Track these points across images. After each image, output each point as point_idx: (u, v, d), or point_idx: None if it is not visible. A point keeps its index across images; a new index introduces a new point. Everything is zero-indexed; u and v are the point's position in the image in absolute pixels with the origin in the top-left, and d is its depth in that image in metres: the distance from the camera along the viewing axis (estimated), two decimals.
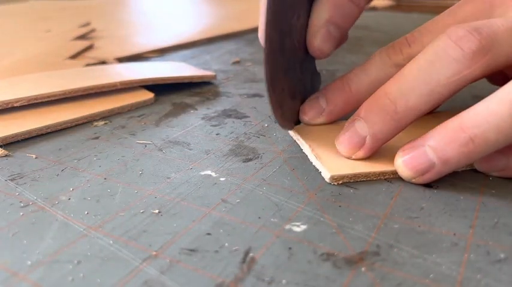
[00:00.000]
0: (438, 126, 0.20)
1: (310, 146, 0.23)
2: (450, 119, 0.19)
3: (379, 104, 0.21)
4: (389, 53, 0.24)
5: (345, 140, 0.22)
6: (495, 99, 0.19)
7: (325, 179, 0.21)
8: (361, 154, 0.21)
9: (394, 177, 0.21)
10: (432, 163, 0.19)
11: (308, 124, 0.25)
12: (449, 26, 0.21)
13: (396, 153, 0.21)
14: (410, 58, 0.22)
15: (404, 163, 0.20)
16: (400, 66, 0.22)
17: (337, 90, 0.25)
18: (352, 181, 0.21)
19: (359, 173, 0.21)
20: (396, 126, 0.21)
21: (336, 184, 0.20)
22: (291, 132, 0.25)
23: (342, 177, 0.21)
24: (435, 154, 0.19)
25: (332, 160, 0.22)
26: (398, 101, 0.20)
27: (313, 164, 0.22)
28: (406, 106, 0.20)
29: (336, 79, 0.25)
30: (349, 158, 0.22)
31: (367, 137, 0.21)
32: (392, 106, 0.20)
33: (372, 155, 0.22)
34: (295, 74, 0.24)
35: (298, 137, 0.24)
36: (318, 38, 0.24)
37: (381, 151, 0.22)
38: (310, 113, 0.25)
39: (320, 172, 0.21)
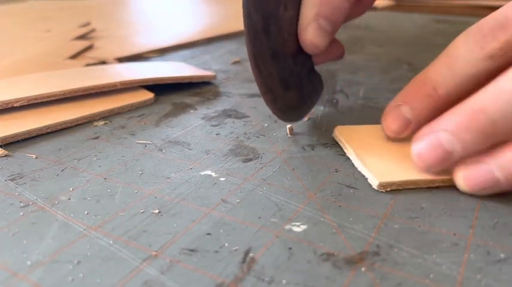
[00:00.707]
0: (504, 144, 0.18)
1: (355, 151, 0.22)
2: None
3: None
4: (478, 41, 0.19)
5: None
6: None
7: (373, 187, 0.20)
8: (406, 133, 0.21)
9: (443, 185, 0.20)
10: (497, 180, 0.18)
11: (393, 139, 0.23)
12: None
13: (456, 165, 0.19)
14: (509, 47, 0.18)
15: (464, 179, 0.19)
16: (496, 58, 0.19)
17: (422, 96, 0.21)
18: (400, 188, 0.20)
19: (408, 181, 0.20)
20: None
21: (383, 191, 0.20)
22: (335, 134, 0.24)
23: (391, 184, 0.20)
24: (501, 172, 0.18)
25: (379, 166, 0.21)
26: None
27: (358, 169, 0.22)
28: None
29: (414, 80, 0.22)
30: (397, 135, 0.22)
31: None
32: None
33: None
34: (286, 64, 0.23)
35: (342, 139, 0.24)
36: (309, 32, 0.22)
37: None
38: (394, 125, 0.22)
39: (320, 172, 0.21)
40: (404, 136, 0.22)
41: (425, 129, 0.20)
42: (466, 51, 0.20)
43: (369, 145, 0.23)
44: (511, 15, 0.18)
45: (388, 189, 0.20)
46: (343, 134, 0.24)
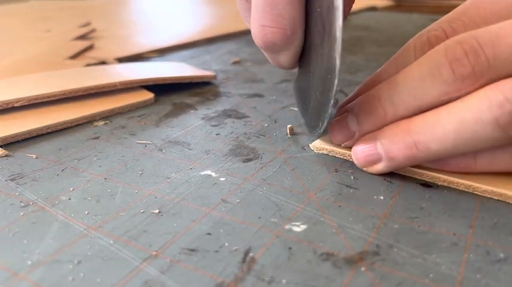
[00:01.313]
0: (393, 123, 0.21)
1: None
2: (404, 120, 0.20)
3: (371, 107, 0.21)
4: (424, 48, 0.21)
5: (335, 129, 0.23)
6: (446, 111, 0.19)
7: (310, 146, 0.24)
8: (349, 144, 0.22)
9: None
10: (380, 156, 0.21)
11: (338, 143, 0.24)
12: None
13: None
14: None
15: (356, 151, 0.22)
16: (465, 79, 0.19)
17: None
18: (330, 154, 0.23)
19: (335, 150, 0.23)
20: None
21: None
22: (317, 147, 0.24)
23: (322, 148, 0.23)
24: (383, 150, 0.20)
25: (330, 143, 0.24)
26: (389, 109, 0.21)
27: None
28: (395, 115, 0.21)
29: (365, 95, 0.22)
30: (339, 144, 0.23)
31: (356, 133, 0.22)
32: (383, 112, 0.21)
33: None
34: None
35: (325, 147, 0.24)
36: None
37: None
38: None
39: (320, 172, 0.21)
40: (346, 146, 0.23)
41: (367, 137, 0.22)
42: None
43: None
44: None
45: (320, 151, 0.24)
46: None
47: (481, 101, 0.18)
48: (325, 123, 0.22)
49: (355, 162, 0.22)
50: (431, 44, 0.21)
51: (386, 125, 0.21)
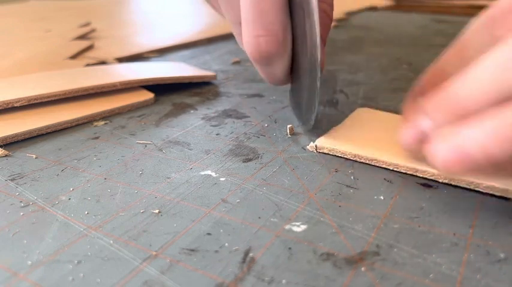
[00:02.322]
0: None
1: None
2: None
3: (447, 104, 0.18)
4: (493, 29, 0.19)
5: (408, 135, 0.19)
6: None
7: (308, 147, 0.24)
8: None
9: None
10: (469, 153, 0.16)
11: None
12: None
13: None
14: None
15: (438, 151, 0.18)
16: None
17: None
18: (331, 153, 0.23)
19: (336, 149, 0.23)
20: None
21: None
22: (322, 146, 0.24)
23: (322, 147, 0.24)
24: (477, 145, 0.16)
25: (332, 139, 0.24)
26: (468, 105, 0.17)
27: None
28: (476, 111, 0.17)
29: (440, 91, 0.20)
30: (338, 143, 0.23)
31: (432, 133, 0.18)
32: (461, 109, 0.18)
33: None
34: None
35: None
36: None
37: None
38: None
39: (320, 172, 0.21)
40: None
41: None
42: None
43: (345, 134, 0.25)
44: None
45: (320, 151, 0.24)
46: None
47: None
48: (315, 112, 0.22)
49: (437, 165, 0.17)
50: (494, 19, 0.19)
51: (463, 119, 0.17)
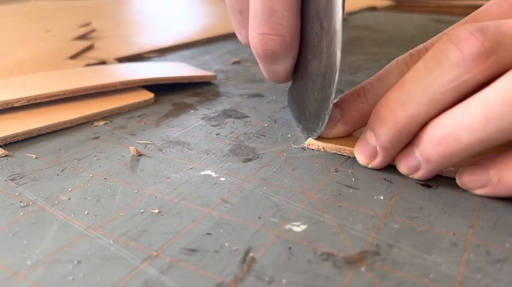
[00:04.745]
0: (426, 126, 0.19)
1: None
2: (432, 119, 0.19)
3: (380, 115, 0.20)
4: (406, 61, 0.22)
5: (360, 150, 0.22)
6: (471, 99, 0.18)
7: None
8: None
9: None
10: (418, 161, 0.20)
11: (324, 136, 0.24)
12: None
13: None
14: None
15: (398, 160, 0.21)
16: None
17: (353, 101, 0.23)
18: (322, 150, 0.24)
19: (328, 146, 0.23)
20: (400, 136, 0.20)
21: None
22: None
23: (317, 145, 0.24)
24: (419, 152, 0.20)
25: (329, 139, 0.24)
26: (398, 111, 0.19)
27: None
28: (406, 116, 0.19)
29: (352, 89, 0.24)
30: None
31: (377, 147, 0.21)
32: (392, 116, 0.20)
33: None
34: None
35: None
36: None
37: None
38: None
39: (320, 172, 0.21)
40: (333, 134, 0.24)
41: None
42: (396, 69, 0.23)
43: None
44: (435, 42, 0.20)
45: (314, 147, 0.24)
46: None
47: (508, 81, 0.17)
48: (326, 121, 0.22)
49: (400, 171, 0.21)
50: (413, 58, 0.22)
51: (401, 131, 0.20)
